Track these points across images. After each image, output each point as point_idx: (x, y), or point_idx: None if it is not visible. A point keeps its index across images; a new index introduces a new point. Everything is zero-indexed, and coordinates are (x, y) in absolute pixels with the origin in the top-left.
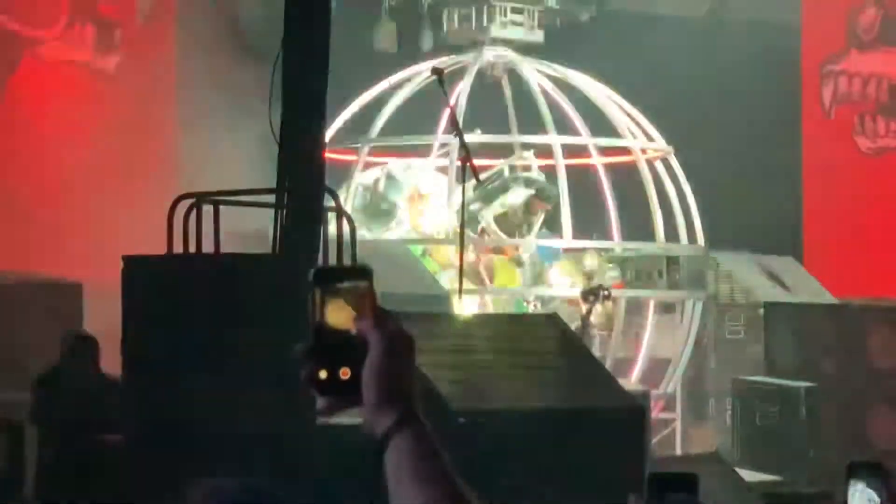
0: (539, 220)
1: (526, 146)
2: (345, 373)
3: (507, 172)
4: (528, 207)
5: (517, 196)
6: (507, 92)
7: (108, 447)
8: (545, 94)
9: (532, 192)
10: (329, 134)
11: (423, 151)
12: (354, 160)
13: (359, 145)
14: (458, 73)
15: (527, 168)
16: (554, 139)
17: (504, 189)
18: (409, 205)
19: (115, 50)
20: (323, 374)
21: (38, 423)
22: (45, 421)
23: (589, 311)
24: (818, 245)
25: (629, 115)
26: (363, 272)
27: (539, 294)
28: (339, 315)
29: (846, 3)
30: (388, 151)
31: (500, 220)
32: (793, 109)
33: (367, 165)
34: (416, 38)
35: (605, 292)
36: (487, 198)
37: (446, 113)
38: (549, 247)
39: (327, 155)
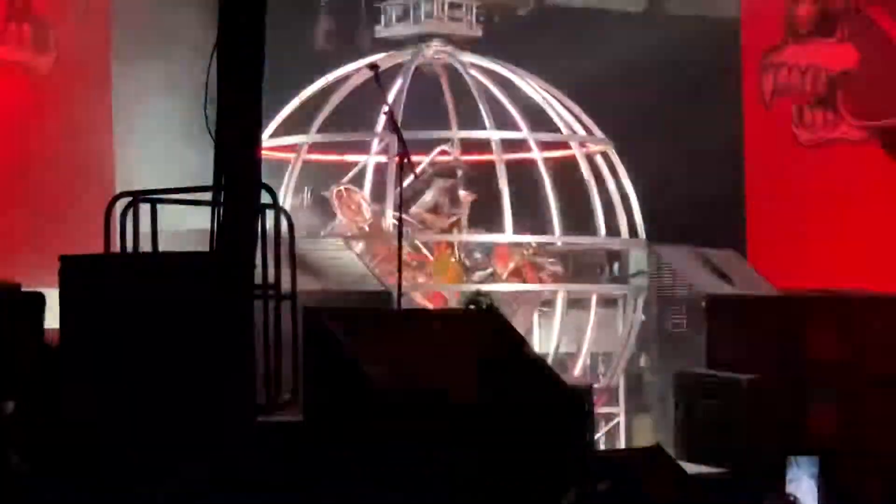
0: (466, 208)
1: (448, 141)
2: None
3: (429, 169)
4: (454, 199)
5: (438, 189)
6: (446, 87)
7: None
8: (484, 89)
9: (449, 182)
10: (268, 132)
11: (361, 148)
12: (293, 157)
13: (297, 143)
14: (397, 69)
15: (453, 161)
16: (493, 134)
17: (427, 183)
18: (338, 203)
19: (50, 49)
20: None
21: None
22: None
23: None
24: (760, 237)
25: (569, 109)
26: None
27: (479, 288)
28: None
29: None
30: (327, 149)
31: (432, 215)
32: (734, 102)
33: (306, 163)
34: (354, 34)
35: (488, 300)
36: (414, 196)
37: (384, 109)
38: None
39: (265, 152)
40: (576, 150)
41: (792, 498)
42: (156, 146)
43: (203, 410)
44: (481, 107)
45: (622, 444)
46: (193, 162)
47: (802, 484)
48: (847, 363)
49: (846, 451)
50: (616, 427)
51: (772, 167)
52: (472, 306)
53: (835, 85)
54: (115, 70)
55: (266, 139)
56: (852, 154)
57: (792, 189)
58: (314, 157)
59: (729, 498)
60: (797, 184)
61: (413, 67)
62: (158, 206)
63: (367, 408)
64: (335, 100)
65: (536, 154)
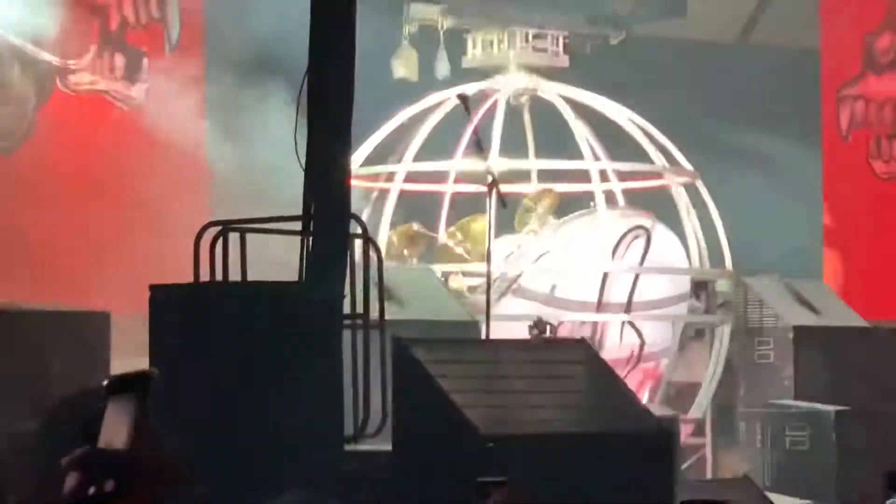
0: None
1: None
2: (110, 486)
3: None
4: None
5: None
6: (527, 117)
7: None
8: (570, 119)
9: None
10: (357, 161)
11: (446, 178)
12: (380, 187)
13: (384, 171)
14: (480, 100)
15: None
16: (590, 165)
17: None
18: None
19: (143, 79)
20: (91, 490)
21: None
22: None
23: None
24: (838, 269)
25: (654, 140)
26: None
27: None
28: (116, 429)
29: (863, 27)
30: (413, 178)
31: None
32: (813, 134)
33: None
34: (436, 64)
35: (552, 326)
36: None
37: (469, 139)
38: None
39: (354, 182)
40: (669, 180)
41: None
42: (250, 174)
43: (292, 439)
44: (577, 137)
45: (708, 476)
46: (287, 191)
47: None
48: None
49: None
50: (703, 458)
51: (849, 199)
52: (536, 331)
53: None
54: (207, 97)
55: (356, 168)
56: None
57: (868, 220)
58: (406, 186)
59: None
60: (873, 215)
61: (497, 97)
62: (249, 235)
63: (471, 454)
64: (425, 130)
65: (615, 185)
